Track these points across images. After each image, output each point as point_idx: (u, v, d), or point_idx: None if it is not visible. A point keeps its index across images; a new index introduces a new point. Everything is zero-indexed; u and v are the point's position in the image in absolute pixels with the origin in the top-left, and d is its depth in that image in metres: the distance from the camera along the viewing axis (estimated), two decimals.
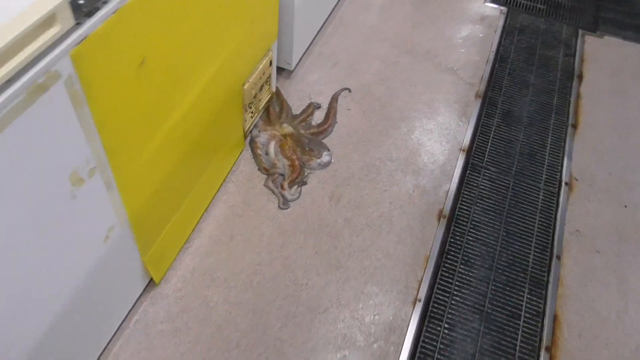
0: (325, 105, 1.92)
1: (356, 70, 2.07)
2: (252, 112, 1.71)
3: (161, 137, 1.12)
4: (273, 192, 1.64)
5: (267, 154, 1.73)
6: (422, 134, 1.87)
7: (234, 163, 1.70)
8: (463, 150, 1.83)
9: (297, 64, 2.04)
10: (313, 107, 1.89)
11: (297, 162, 1.70)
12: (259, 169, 1.70)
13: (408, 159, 1.79)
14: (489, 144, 1.86)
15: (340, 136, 1.83)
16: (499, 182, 1.74)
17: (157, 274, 1.37)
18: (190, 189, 1.41)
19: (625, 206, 1.74)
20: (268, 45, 1.65)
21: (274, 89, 1.86)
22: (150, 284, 1.39)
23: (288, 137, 1.76)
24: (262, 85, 1.72)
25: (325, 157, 1.73)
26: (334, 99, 1.93)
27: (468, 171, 1.77)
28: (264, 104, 1.79)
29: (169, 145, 1.17)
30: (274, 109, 1.85)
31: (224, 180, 1.65)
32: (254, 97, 1.67)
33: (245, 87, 1.55)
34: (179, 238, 1.45)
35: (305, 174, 1.71)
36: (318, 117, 1.88)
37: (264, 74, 1.67)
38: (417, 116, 1.93)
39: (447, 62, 2.15)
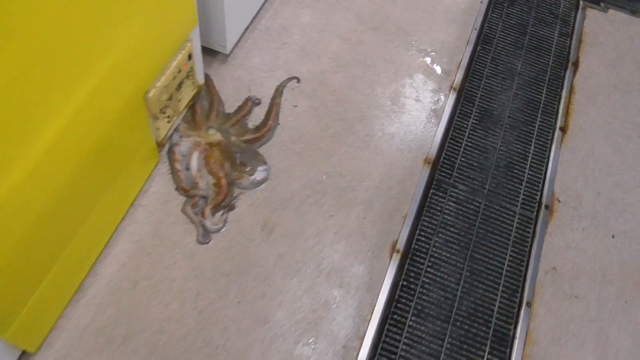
0: (266, 101, 1.58)
1: (310, 52, 1.71)
2: (168, 117, 1.37)
3: (36, 157, 0.82)
4: (192, 220, 1.35)
5: (187, 168, 1.41)
6: (382, 140, 1.56)
7: (146, 181, 1.39)
8: (428, 163, 1.53)
9: (235, 45, 1.67)
10: (251, 103, 1.56)
11: (223, 181, 1.40)
12: (176, 189, 1.39)
13: (362, 174, 1.49)
14: (460, 153, 1.56)
15: (282, 143, 1.51)
16: (468, 205, 1.46)
17: (32, 342, 1.11)
18: (83, 221, 1.12)
19: (613, 236, 1.48)
20: (183, 35, 1.29)
21: (201, 81, 1.51)
22: (26, 353, 1.13)
23: (215, 147, 1.44)
24: (181, 83, 1.37)
25: (259, 174, 1.42)
26: (278, 93, 1.59)
27: (432, 190, 1.48)
28: (186, 102, 1.45)
29: (48, 167, 0.88)
30: (202, 107, 1.51)
31: (131, 204, 1.35)
32: (169, 99, 1.33)
33: (149, 95, 1.21)
34: (65, 289, 1.18)
35: (234, 195, 1.41)
36: (257, 116, 1.55)
37: (179, 71, 1.32)
38: (379, 115, 1.60)
39: (420, 42, 1.79)
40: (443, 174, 1.51)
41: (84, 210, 1.11)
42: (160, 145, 1.39)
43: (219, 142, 1.43)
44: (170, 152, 1.43)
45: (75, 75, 0.90)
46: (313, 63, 1.68)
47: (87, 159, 1.04)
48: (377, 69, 1.70)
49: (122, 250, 1.28)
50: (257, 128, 1.52)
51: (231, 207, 1.39)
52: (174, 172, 1.41)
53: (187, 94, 1.44)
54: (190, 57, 1.35)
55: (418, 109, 1.63)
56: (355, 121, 1.58)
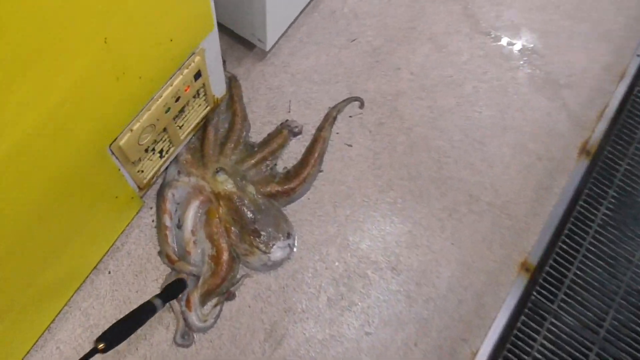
0: (309, 130, 1.10)
1: (385, 59, 1.18)
2: (160, 153, 0.93)
3: None
4: (171, 308, 0.95)
5: (179, 226, 0.99)
6: (463, 223, 1.07)
7: (119, 236, 0.98)
8: (525, 270, 1.04)
9: (281, 36, 1.16)
10: (287, 132, 1.08)
11: (225, 255, 0.97)
12: (159, 253, 0.98)
13: (426, 272, 1.03)
14: (576, 262, 1.06)
15: (320, 203, 1.05)
16: (572, 349, 0.99)
17: None
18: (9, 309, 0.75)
19: None
20: (186, 48, 0.81)
21: (219, 94, 1.03)
22: None
23: (223, 200, 0.99)
24: (184, 107, 0.91)
25: (278, 251, 0.99)
26: (330, 120, 1.10)
27: (523, 316, 1.01)
28: (192, 127, 0.99)
29: None
30: (216, 130, 1.05)
31: (94, 268, 0.96)
32: (163, 131, 0.88)
33: (121, 143, 0.77)
34: None
35: (237, 276, 0.99)
36: (292, 152, 1.08)
37: (178, 99, 0.85)
38: (466, 180, 1.10)
39: (550, 64, 1.22)
40: (543, 292, 1.03)
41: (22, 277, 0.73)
42: (144, 187, 0.97)
43: (229, 194, 0.99)
44: (160, 197, 1.01)
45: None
46: (387, 77, 1.15)
47: (25, 218, 0.63)
48: (478, 99, 1.16)
49: (67, 340, 0.91)
50: (289, 175, 1.06)
51: (229, 296, 0.97)
52: (160, 227, 0.99)
53: (194, 115, 0.98)
54: (198, 75, 0.87)
55: (525, 178, 1.11)
56: (431, 184, 1.09)
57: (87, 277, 0.94)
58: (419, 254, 1.04)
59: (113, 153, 0.78)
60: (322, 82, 1.13)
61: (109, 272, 0.96)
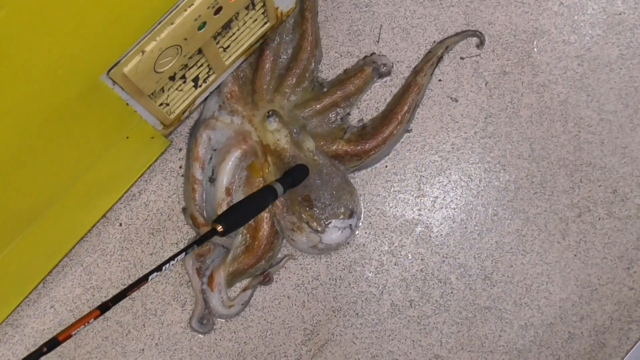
0: (402, 72, 0.79)
1: None
2: (194, 81, 0.68)
3: None
4: (191, 283, 0.74)
5: (212, 180, 0.76)
6: (593, 231, 0.76)
7: (135, 182, 0.76)
8: None
9: None
10: (371, 71, 0.78)
11: (264, 228, 0.74)
12: (183, 210, 0.77)
13: (524, 293, 0.75)
14: None
15: (400, 174, 0.78)
16: None
17: None
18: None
19: None
20: None
21: (282, 7, 0.74)
22: None
23: (272, 157, 0.74)
24: (230, 21, 0.64)
25: (334, 233, 0.73)
26: (430, 62, 0.79)
27: None
28: (242, 50, 0.72)
29: None
30: (275, 57, 0.77)
31: (103, 216, 0.76)
32: (197, 53, 0.62)
33: (125, 70, 0.52)
34: None
35: (278, 258, 0.76)
36: (373, 99, 0.79)
37: (220, 6, 0.58)
38: (615, 170, 0.77)
39: None
40: None
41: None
42: (171, 125, 0.73)
43: (280, 150, 0.73)
44: (193, 138, 0.77)
45: None
46: (525, 6, 0.80)
47: None
48: None
49: (63, 300, 0.74)
50: (365, 131, 0.77)
51: (265, 280, 0.75)
52: (188, 178, 0.76)
53: (246, 34, 0.70)
54: None
55: None
56: (560, 169, 0.77)
57: (94, 226, 0.75)
58: (525, 262, 0.75)
59: (115, 83, 0.54)
60: (431, 4, 0.80)
61: (120, 225, 0.76)
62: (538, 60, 0.79)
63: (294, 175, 0.69)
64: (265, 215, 0.74)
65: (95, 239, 0.75)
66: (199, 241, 0.58)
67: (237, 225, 0.62)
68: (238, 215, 0.61)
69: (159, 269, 0.54)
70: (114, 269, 0.75)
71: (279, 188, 0.65)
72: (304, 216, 0.73)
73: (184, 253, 0.56)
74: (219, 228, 0.57)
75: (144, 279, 0.53)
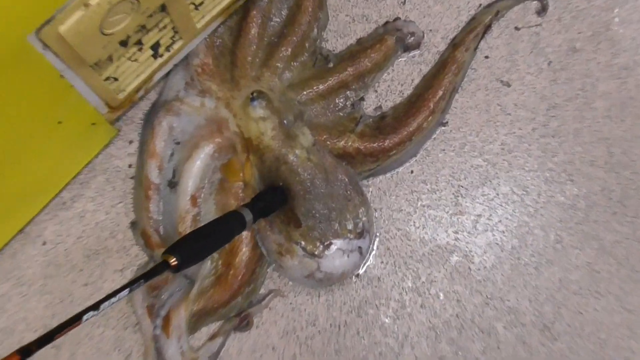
0: (435, 44, 0.59)
1: None
2: (152, 49, 0.47)
3: None
4: (140, 328, 0.54)
5: (173, 185, 0.55)
6: None
7: (66, 184, 0.56)
8: None
9: None
10: (394, 42, 0.58)
11: (243, 251, 0.53)
12: (131, 225, 0.56)
13: (598, 350, 0.55)
14: None
15: (430, 182, 0.57)
16: None
17: None
18: None
19: None
20: None
21: None
22: None
23: (255, 154, 0.53)
24: None
25: (337, 258, 0.53)
26: (473, 33, 0.58)
27: None
28: (221, 7, 0.52)
29: None
30: (265, 18, 0.57)
31: (7, 242, 0.55)
32: (161, 10, 0.42)
33: (61, 29, 0.32)
34: None
35: (260, 293, 0.55)
36: (397, 80, 0.59)
37: None
38: None
39: None
40: None
41: None
42: (120, 107, 0.52)
43: (265, 146, 0.52)
44: (149, 126, 0.56)
45: None
46: None
47: None
48: None
49: None
50: (385, 123, 0.57)
51: (242, 323, 0.54)
52: (140, 181, 0.55)
53: None
54: None
55: None
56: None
57: (8, 243, 0.54)
58: (598, 308, 0.55)
59: (47, 46, 0.34)
60: None
61: (44, 243, 0.55)
62: (620, 34, 0.59)
63: (267, 200, 0.50)
64: (244, 233, 0.53)
65: (8, 263, 0.54)
66: (147, 275, 0.41)
67: (197, 259, 0.43)
68: (199, 245, 0.42)
69: (95, 307, 0.38)
70: (32, 304, 0.54)
71: (248, 215, 0.46)
72: (293, 235, 0.52)
73: (127, 289, 0.39)
74: (172, 261, 0.41)
75: (76, 319, 0.38)
